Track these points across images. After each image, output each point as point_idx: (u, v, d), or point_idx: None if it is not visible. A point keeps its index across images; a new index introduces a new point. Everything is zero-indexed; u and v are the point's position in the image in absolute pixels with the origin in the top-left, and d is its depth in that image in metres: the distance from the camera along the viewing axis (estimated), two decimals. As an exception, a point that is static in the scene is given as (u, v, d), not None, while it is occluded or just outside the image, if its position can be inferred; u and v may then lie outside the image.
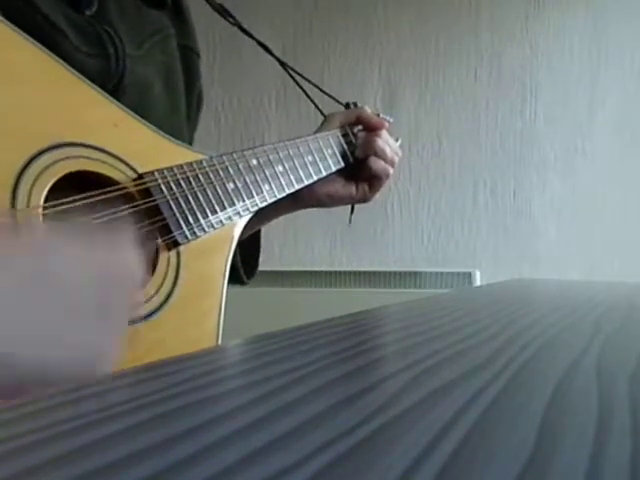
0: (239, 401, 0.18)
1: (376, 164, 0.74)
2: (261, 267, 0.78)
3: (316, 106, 0.83)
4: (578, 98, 1.84)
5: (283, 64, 0.81)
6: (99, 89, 0.49)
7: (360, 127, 0.77)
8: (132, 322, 0.45)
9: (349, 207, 0.82)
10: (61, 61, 0.46)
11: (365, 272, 1.85)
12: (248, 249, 0.75)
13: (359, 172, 0.75)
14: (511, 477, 0.12)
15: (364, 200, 0.78)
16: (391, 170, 0.76)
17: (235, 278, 0.73)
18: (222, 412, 0.17)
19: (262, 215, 0.63)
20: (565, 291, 0.65)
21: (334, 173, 0.73)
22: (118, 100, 0.51)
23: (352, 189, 0.75)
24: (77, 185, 0.45)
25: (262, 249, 0.78)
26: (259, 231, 0.77)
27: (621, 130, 1.81)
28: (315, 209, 0.78)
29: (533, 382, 0.21)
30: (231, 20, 0.76)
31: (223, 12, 0.75)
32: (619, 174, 1.80)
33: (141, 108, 0.53)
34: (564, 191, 1.84)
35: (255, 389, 0.20)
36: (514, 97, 1.87)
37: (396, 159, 0.76)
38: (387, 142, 0.76)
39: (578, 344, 0.28)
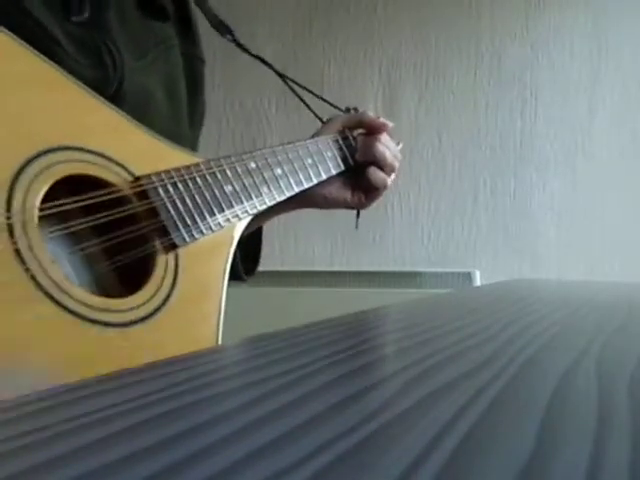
0: (239, 401, 0.18)
1: (375, 175, 0.73)
2: (261, 267, 0.78)
3: (316, 115, 0.83)
4: (578, 98, 1.84)
5: (281, 75, 0.81)
6: (98, 95, 0.49)
7: (360, 130, 0.77)
8: (129, 324, 0.45)
9: (351, 209, 0.81)
10: (58, 67, 0.46)
11: (365, 272, 1.85)
12: (248, 247, 0.75)
13: (357, 179, 0.75)
14: (511, 477, 0.12)
15: (359, 207, 0.78)
16: (389, 181, 0.75)
17: (234, 275, 0.73)
18: (222, 412, 0.17)
19: (256, 216, 0.63)
20: (565, 291, 0.65)
21: (334, 176, 0.73)
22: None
23: (347, 194, 0.75)
24: (75, 189, 0.45)
25: (263, 248, 0.78)
26: (260, 229, 0.76)
27: (621, 130, 1.81)
28: (316, 210, 0.78)
29: (533, 382, 0.21)
30: (229, 37, 0.76)
31: (222, 28, 0.76)
32: (619, 174, 1.80)
33: (142, 116, 0.53)
34: (564, 191, 1.84)
35: (255, 389, 0.20)
36: (514, 97, 1.86)
37: (396, 164, 0.76)
38: (388, 146, 0.75)
39: (578, 344, 0.28)
